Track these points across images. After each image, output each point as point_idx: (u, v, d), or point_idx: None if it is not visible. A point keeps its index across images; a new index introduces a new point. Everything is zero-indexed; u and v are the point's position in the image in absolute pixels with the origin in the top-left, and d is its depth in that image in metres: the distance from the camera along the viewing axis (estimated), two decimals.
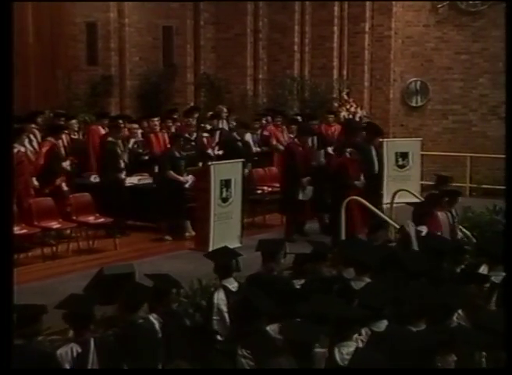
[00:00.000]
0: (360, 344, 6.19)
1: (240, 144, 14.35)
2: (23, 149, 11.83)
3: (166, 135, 14.35)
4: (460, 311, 6.93)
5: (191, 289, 8.78)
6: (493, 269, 8.24)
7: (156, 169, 13.52)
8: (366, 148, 12.94)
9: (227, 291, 7.47)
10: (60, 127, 13.07)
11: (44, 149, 12.43)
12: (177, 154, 12.92)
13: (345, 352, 5.84)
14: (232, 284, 7.60)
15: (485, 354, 5.84)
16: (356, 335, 6.25)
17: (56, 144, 12.51)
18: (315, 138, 14.15)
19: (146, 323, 6.76)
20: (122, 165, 12.95)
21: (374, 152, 13.16)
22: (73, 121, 13.79)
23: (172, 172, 12.68)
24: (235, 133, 14.76)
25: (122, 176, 12.92)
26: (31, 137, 12.43)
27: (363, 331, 6.32)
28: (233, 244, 11.06)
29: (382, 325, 6.36)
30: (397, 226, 10.85)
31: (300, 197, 12.80)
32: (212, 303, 7.43)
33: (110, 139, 13.11)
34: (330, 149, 14.32)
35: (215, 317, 7.35)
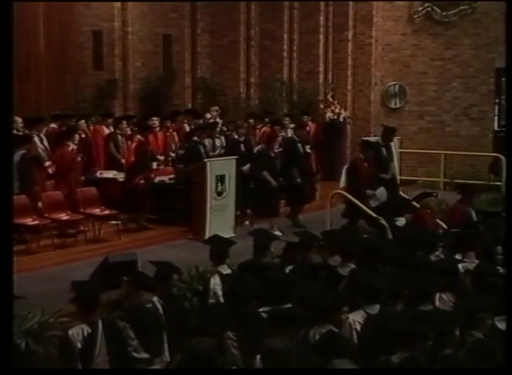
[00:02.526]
0: (358, 326, 6.21)
1: (299, 145, 13.63)
2: (74, 147, 11.98)
3: (164, 134, 14.36)
4: (443, 296, 6.94)
5: (189, 275, 8.76)
6: (466, 256, 8.26)
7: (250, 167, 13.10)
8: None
9: (222, 276, 7.45)
10: (149, 127, 13.15)
11: (133, 146, 12.53)
12: (272, 154, 12.71)
13: (317, 332, 5.87)
14: (226, 271, 7.59)
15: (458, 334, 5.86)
16: (351, 318, 6.25)
17: (145, 142, 12.56)
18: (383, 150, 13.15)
19: (153, 307, 6.75)
20: None
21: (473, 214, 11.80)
22: (82, 122, 13.70)
23: (266, 172, 12.45)
24: (294, 136, 14.05)
25: None
26: (41, 136, 12.35)
27: (359, 314, 6.32)
28: (228, 234, 11.05)
29: (376, 308, 6.36)
30: (375, 217, 10.89)
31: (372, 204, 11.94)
32: (209, 288, 7.41)
33: (194, 138, 12.99)
34: (307, 147, 14.01)
35: (211, 300, 7.33)
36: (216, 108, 16.33)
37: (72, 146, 11.92)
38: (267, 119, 15.71)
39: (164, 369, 5.98)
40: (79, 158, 12.12)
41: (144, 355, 6.42)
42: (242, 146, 13.50)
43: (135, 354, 6.38)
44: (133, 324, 6.47)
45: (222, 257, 7.64)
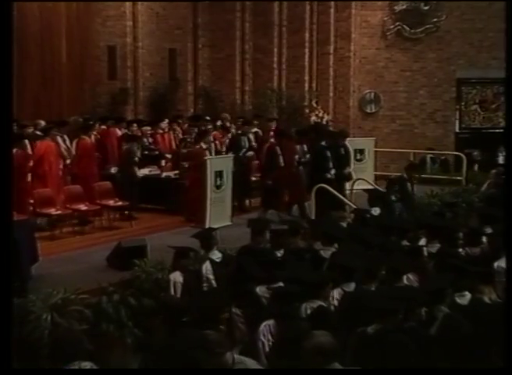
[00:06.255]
0: (335, 302, 6.21)
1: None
2: (204, 146, 12.27)
3: (171, 136, 14.33)
4: (410, 276, 6.95)
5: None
6: (430, 241, 8.28)
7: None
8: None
9: (213, 262, 7.46)
10: (283, 133, 13.03)
11: (266, 147, 12.77)
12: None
13: (308, 307, 5.87)
14: (217, 256, 7.59)
15: (424, 310, 5.88)
16: (332, 294, 6.27)
17: (276, 144, 12.58)
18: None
19: None
20: (331, 165, 12.34)
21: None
22: (102, 127, 13.66)
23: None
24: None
25: (329, 175, 12.26)
26: (65, 137, 12.28)
27: (336, 291, 6.32)
28: (225, 222, 11.06)
29: (352, 286, 6.37)
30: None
31: None
32: (201, 274, 7.37)
33: (322, 143, 12.67)
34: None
35: (205, 284, 7.30)
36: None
37: (200, 145, 12.21)
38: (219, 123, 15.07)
39: (162, 369, 5.77)
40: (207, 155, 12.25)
41: None
42: (328, 152, 12.70)
43: None
44: None
45: (209, 244, 7.69)
